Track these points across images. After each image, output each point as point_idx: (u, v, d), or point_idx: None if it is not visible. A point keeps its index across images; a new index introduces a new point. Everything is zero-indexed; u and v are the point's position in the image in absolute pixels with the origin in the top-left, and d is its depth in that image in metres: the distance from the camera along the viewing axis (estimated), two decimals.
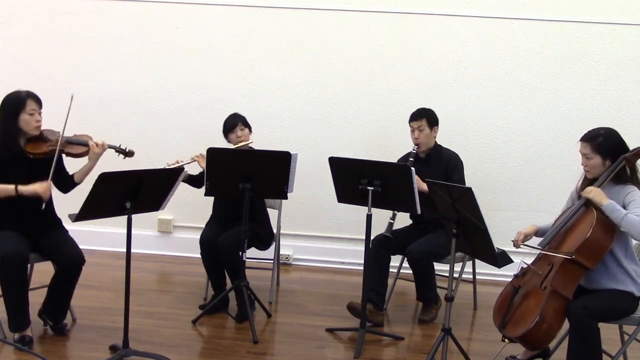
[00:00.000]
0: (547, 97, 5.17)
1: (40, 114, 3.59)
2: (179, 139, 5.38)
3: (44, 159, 3.58)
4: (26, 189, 3.47)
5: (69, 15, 5.39)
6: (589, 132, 3.32)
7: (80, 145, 3.70)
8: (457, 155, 4.35)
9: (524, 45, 5.14)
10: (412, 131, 4.32)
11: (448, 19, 5.17)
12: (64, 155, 3.71)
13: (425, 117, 4.28)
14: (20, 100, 3.54)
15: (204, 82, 5.37)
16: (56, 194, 3.72)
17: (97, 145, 3.68)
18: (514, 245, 3.40)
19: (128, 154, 3.87)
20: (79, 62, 5.41)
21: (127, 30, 5.39)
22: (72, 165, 3.81)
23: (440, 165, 4.29)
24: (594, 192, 3.18)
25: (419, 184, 3.84)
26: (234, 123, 4.34)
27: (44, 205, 3.51)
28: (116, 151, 3.83)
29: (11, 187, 3.47)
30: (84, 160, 3.75)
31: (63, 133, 3.58)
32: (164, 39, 5.37)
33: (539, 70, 5.15)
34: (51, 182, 3.54)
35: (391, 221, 4.18)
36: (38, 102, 3.59)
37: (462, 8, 5.16)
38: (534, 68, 5.15)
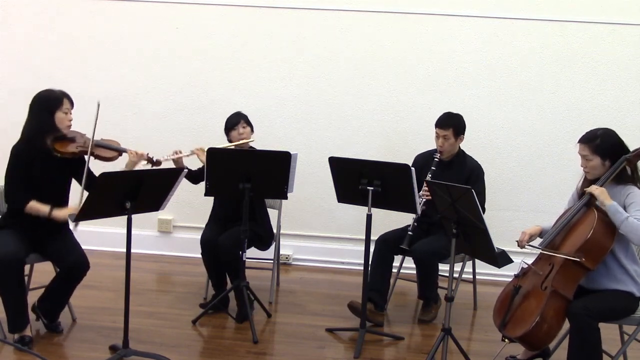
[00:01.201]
0: (547, 97, 5.17)
1: (71, 113, 3.62)
2: (179, 139, 5.36)
3: (70, 159, 3.59)
4: (59, 214, 3.49)
5: (69, 15, 5.38)
6: (586, 133, 3.31)
7: (109, 150, 3.72)
8: (481, 167, 4.31)
9: (524, 45, 5.14)
10: (437, 137, 4.24)
11: (448, 19, 5.17)
12: (92, 158, 3.69)
13: (452, 127, 4.20)
14: (57, 98, 3.57)
15: (204, 82, 5.37)
16: None
17: (136, 154, 3.76)
18: (519, 246, 3.38)
19: (156, 163, 3.92)
20: (79, 62, 5.41)
21: (127, 30, 5.38)
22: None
23: (463, 172, 4.24)
24: (599, 191, 3.17)
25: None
26: (237, 120, 4.35)
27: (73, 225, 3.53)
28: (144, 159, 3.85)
29: (45, 209, 3.49)
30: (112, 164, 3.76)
31: (93, 137, 3.57)
32: (164, 39, 5.37)
33: (539, 70, 5.15)
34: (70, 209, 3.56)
35: (410, 233, 4.14)
36: (71, 102, 3.64)
37: (462, 8, 5.15)
38: (534, 68, 5.15)
